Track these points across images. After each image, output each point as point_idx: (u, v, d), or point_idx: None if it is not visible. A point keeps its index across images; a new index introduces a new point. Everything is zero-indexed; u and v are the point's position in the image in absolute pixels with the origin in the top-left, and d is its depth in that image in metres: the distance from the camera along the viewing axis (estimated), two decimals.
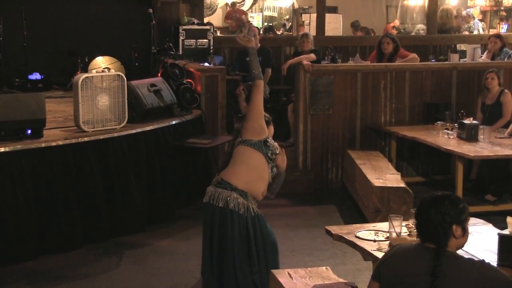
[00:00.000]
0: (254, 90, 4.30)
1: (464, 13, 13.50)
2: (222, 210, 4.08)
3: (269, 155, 4.20)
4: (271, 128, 4.36)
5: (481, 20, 15.94)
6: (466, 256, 2.86)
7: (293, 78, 8.35)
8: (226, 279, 4.15)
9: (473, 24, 12.96)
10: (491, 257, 3.50)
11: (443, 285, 2.69)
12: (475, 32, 12.63)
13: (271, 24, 16.89)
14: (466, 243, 2.91)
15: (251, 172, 4.16)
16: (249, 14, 16.68)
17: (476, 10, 15.32)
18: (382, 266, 2.91)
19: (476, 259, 2.87)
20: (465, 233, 2.84)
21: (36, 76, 9.25)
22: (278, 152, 4.28)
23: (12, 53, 9.02)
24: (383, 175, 6.67)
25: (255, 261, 4.14)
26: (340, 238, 4.04)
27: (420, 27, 14.00)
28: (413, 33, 14.49)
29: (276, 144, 4.30)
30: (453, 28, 11.91)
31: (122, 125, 6.42)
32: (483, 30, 13.91)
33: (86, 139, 6.02)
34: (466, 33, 12.43)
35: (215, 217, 4.11)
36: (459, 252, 2.88)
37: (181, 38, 9.25)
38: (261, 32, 13.65)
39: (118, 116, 6.40)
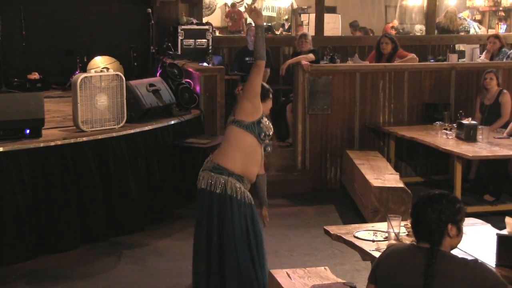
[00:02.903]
0: (254, 70, 4.20)
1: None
2: (220, 196, 4.04)
3: (262, 136, 4.12)
4: (269, 102, 4.29)
5: (479, 21, 15.98)
6: (461, 256, 2.86)
7: (291, 78, 8.35)
8: (228, 270, 4.07)
9: (467, 24, 13.00)
10: (490, 258, 3.50)
11: (436, 284, 2.69)
12: (472, 31, 12.65)
13: (270, 24, 16.91)
14: (465, 243, 2.91)
15: (246, 156, 4.10)
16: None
17: (466, 12, 15.38)
18: (377, 268, 2.91)
19: (470, 258, 2.87)
20: (459, 233, 2.84)
21: (34, 75, 9.25)
22: (271, 133, 4.19)
23: (11, 53, 9.02)
24: (382, 175, 6.67)
25: (254, 251, 4.11)
26: (338, 238, 4.04)
27: (419, 28, 14.05)
28: (411, 33, 14.52)
29: (270, 125, 4.20)
30: (458, 29, 11.95)
31: (121, 125, 6.42)
32: (479, 28, 13.95)
33: (84, 138, 6.02)
34: (463, 33, 12.45)
35: (214, 204, 4.07)
36: (455, 251, 2.89)
37: (180, 38, 9.25)
38: None
39: (117, 116, 6.40)
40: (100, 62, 9.26)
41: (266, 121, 4.17)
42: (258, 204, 4.37)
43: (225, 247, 4.07)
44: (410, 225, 3.88)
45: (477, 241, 3.77)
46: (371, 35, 13.57)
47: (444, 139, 7.08)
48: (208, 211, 4.10)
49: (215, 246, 4.09)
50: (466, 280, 2.68)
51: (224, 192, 4.04)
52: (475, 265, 2.74)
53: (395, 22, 16.58)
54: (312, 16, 11.63)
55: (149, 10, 8.87)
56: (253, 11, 4.35)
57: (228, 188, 4.04)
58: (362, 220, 6.38)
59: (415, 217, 2.88)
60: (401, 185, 6.39)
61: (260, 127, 4.11)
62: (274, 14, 18.61)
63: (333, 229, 4.17)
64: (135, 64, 8.92)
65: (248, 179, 4.14)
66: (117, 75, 6.45)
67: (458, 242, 2.87)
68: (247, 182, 4.13)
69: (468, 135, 6.92)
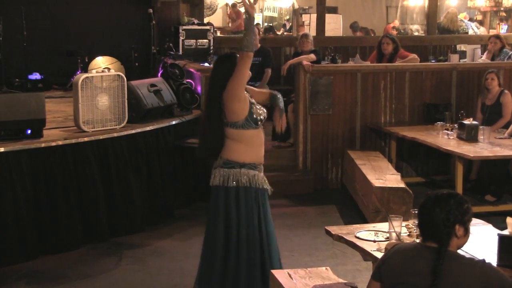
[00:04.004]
0: (247, 61, 4.01)
1: None
2: (236, 189, 4.12)
3: (259, 123, 4.15)
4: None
5: (480, 21, 15.98)
6: (467, 256, 2.86)
7: (293, 78, 8.35)
8: (246, 261, 4.13)
9: (465, 25, 13.01)
10: (491, 258, 3.49)
11: (444, 284, 2.69)
12: (470, 32, 12.67)
13: (271, 25, 16.91)
14: (466, 243, 2.90)
15: (251, 146, 4.16)
16: None
17: (463, 14, 15.41)
18: (383, 265, 2.90)
19: (477, 259, 2.87)
20: (466, 233, 2.83)
21: (36, 76, 9.26)
22: (265, 115, 4.19)
23: (12, 53, 9.03)
24: (383, 176, 6.66)
25: (265, 240, 4.16)
26: (340, 239, 4.04)
27: (414, 28, 14.08)
28: (415, 33, 14.54)
29: (260, 108, 4.17)
30: (458, 30, 11.96)
31: (122, 125, 6.42)
32: (477, 28, 13.95)
33: (86, 139, 6.02)
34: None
35: (230, 198, 4.13)
36: (459, 252, 2.88)
37: (181, 38, 9.25)
38: (261, 33, 13.66)
39: (118, 116, 6.40)
40: (101, 63, 9.26)
41: (255, 108, 4.15)
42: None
43: (243, 238, 4.13)
44: (411, 225, 3.90)
45: (478, 242, 3.76)
46: (372, 35, 13.57)
47: (445, 139, 7.07)
48: (225, 207, 4.15)
49: (234, 237, 4.14)
50: (474, 281, 2.67)
51: (238, 185, 4.11)
52: (483, 265, 2.73)
53: (396, 23, 16.58)
54: (313, 16, 11.63)
55: (150, 10, 8.87)
56: (248, 3, 4.24)
57: (243, 179, 4.11)
58: (363, 220, 6.37)
59: (422, 216, 2.86)
60: (402, 185, 6.38)
61: (253, 117, 4.12)
62: (275, 15, 18.61)
63: (334, 230, 4.16)
64: (136, 64, 8.93)
65: (260, 163, 4.21)
66: (118, 75, 6.45)
67: (465, 242, 2.86)
68: (259, 165, 4.20)
69: (469, 135, 6.91)
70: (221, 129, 4.12)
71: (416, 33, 15.26)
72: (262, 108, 4.21)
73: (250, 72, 4.19)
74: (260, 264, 4.17)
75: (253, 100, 4.19)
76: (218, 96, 4.11)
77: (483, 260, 2.79)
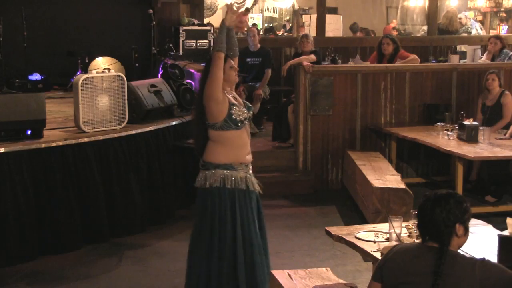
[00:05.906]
0: (216, 61, 4.01)
1: (461, 15, 13.55)
2: (210, 190, 4.12)
3: (239, 124, 4.11)
4: (231, 72, 4.16)
5: (481, 21, 15.97)
6: (468, 255, 2.86)
7: (293, 79, 8.35)
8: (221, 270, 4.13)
9: (470, 24, 13.00)
10: (491, 259, 3.49)
11: (446, 284, 2.69)
12: (473, 32, 12.67)
13: (271, 25, 16.91)
14: (466, 243, 2.91)
15: (230, 147, 4.14)
16: (249, 15, 16.69)
17: (472, 13, 15.39)
18: (384, 266, 2.90)
19: (477, 258, 2.87)
20: (466, 232, 2.84)
21: (36, 76, 9.26)
22: (247, 116, 4.15)
23: (12, 54, 9.03)
24: (383, 176, 6.66)
25: (239, 243, 4.12)
26: (340, 239, 4.04)
27: (424, 29, 14.07)
28: (418, 34, 14.52)
29: (241, 109, 4.13)
30: (458, 30, 11.95)
31: (122, 125, 6.42)
32: (481, 29, 13.95)
33: (86, 139, 6.02)
34: (465, 34, 12.47)
35: (207, 200, 4.14)
36: (459, 251, 2.89)
37: (181, 38, 9.26)
38: (261, 33, 13.66)
39: (118, 117, 6.40)
40: (101, 63, 9.27)
41: (235, 109, 4.11)
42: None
43: (215, 240, 4.14)
44: (411, 226, 3.90)
45: (478, 242, 3.76)
46: (373, 36, 13.58)
47: (446, 140, 7.07)
48: (202, 208, 4.19)
49: (208, 239, 4.17)
50: (475, 279, 2.68)
51: (212, 185, 4.11)
52: (483, 263, 2.75)
53: (394, 22, 16.58)
54: (314, 17, 11.63)
55: (151, 11, 8.87)
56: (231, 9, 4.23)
57: (216, 180, 4.10)
58: (364, 221, 6.37)
59: (422, 217, 2.86)
60: (402, 186, 6.38)
61: (232, 118, 4.09)
62: (276, 15, 18.62)
63: (334, 230, 4.16)
64: (137, 65, 8.92)
65: (239, 163, 4.15)
66: (119, 76, 6.45)
67: (465, 241, 2.87)
68: (238, 165, 4.15)
69: (470, 136, 6.91)
70: (203, 130, 4.14)
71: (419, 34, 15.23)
72: (243, 109, 4.16)
73: (237, 78, 4.24)
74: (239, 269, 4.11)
75: (234, 102, 4.15)
76: (201, 98, 4.13)
77: (483, 258, 2.80)
